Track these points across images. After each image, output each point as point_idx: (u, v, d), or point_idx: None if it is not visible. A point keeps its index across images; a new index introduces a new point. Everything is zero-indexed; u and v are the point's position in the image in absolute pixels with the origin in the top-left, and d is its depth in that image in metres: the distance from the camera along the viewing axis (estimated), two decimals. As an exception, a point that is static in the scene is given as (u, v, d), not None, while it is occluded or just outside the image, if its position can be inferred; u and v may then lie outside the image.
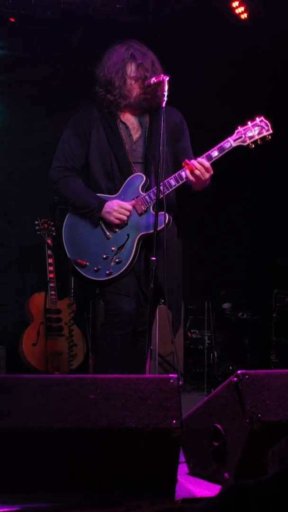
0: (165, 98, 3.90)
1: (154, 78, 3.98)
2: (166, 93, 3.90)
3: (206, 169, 3.93)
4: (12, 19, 6.52)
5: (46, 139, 7.23)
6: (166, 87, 3.91)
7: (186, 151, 4.22)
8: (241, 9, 6.44)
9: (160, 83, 3.94)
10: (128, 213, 4.01)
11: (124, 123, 4.16)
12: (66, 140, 4.19)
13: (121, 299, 4.03)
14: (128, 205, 4.02)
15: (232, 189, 7.79)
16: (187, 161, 3.95)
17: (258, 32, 6.65)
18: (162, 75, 3.95)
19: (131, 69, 4.08)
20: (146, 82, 4.03)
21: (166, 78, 3.93)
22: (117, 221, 4.01)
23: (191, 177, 3.94)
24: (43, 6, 6.43)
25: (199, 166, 3.92)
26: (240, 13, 6.45)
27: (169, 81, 3.94)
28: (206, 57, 7.07)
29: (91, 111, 4.19)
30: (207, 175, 3.95)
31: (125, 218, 4.01)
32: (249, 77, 7.35)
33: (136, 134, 4.16)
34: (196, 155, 4.09)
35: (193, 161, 3.94)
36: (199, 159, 3.96)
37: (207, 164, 3.94)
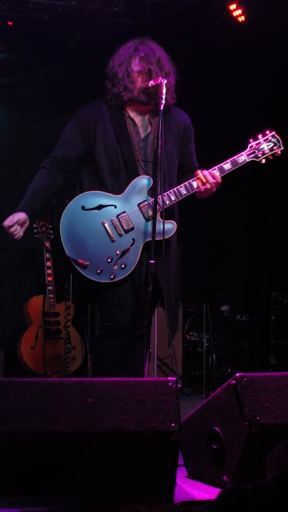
0: (163, 101, 3.89)
1: (152, 81, 3.98)
2: (164, 96, 3.89)
3: (217, 183, 3.99)
4: (10, 23, 6.53)
5: (44, 142, 7.19)
6: (164, 90, 3.90)
7: (191, 155, 4.25)
8: (239, 11, 6.45)
9: (158, 86, 3.94)
10: (12, 231, 4.08)
11: (132, 120, 4.13)
12: (67, 130, 4.19)
13: (116, 311, 4.02)
14: (7, 225, 4.09)
15: (230, 191, 7.78)
16: (199, 172, 3.95)
17: (255, 35, 6.66)
18: (160, 78, 3.94)
19: (134, 62, 4.06)
20: (144, 85, 4.02)
21: (164, 81, 3.92)
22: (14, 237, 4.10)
23: (201, 187, 3.95)
24: (41, 10, 6.44)
25: (211, 180, 3.95)
26: (237, 16, 6.47)
27: (169, 83, 3.95)
28: (204, 60, 7.08)
29: (99, 105, 4.17)
30: (215, 188, 3.99)
31: (16, 235, 4.12)
32: (247, 80, 7.35)
33: (144, 132, 4.13)
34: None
35: (205, 173, 3.95)
36: (212, 172, 3.97)
37: (220, 178, 3.98)
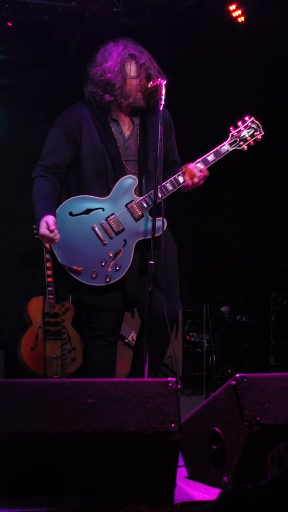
0: (163, 102, 3.89)
1: (151, 82, 3.98)
2: (163, 97, 3.90)
3: (204, 176, 3.98)
4: (9, 23, 6.53)
5: (43, 143, 7.23)
6: (164, 91, 3.90)
7: (173, 149, 4.25)
8: (238, 12, 6.45)
9: (157, 87, 3.94)
10: (50, 240, 3.98)
11: (115, 121, 4.13)
12: (52, 138, 4.16)
13: (103, 314, 4.07)
14: (48, 232, 3.94)
15: (229, 192, 7.80)
16: (187, 166, 3.94)
17: (255, 35, 6.66)
18: (159, 79, 3.95)
19: (130, 68, 4.06)
20: (143, 86, 4.02)
21: (163, 81, 3.92)
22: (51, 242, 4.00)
23: (189, 182, 3.94)
24: (41, 11, 6.44)
25: (198, 173, 3.94)
26: (237, 16, 6.47)
27: (166, 85, 3.95)
28: (203, 60, 7.08)
29: (80, 109, 4.15)
30: (202, 181, 3.99)
31: (47, 242, 4.04)
32: (246, 80, 7.35)
33: (127, 131, 4.14)
34: (192, 156, 4.09)
35: (191, 167, 3.94)
36: (199, 165, 3.96)
37: (206, 171, 3.98)
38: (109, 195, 4.03)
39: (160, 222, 3.94)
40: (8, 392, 2.94)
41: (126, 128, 4.14)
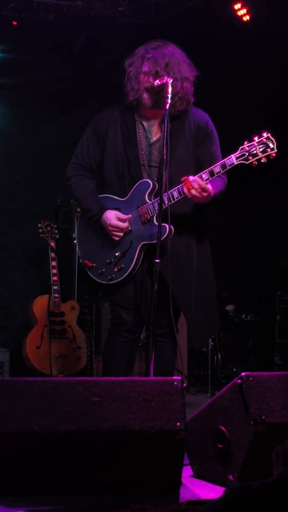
0: (169, 101, 3.88)
1: (158, 80, 3.96)
2: (169, 95, 3.88)
3: (203, 189, 3.85)
4: (14, 23, 6.53)
5: (49, 142, 7.24)
6: (170, 89, 3.88)
7: (209, 155, 4.12)
8: (244, 11, 6.44)
9: (164, 86, 3.92)
10: (121, 232, 4.04)
11: (142, 125, 4.15)
12: (84, 138, 4.24)
13: (122, 310, 4.14)
14: (122, 224, 4.02)
15: (235, 190, 7.76)
16: (186, 178, 3.90)
17: (260, 34, 6.65)
18: (165, 77, 3.92)
19: (143, 63, 4.06)
20: (149, 85, 4.01)
21: (169, 80, 3.90)
22: (115, 238, 4.06)
23: (188, 195, 3.89)
24: (46, 10, 6.44)
25: (197, 186, 3.84)
26: (242, 15, 6.46)
27: (175, 84, 3.93)
28: (208, 59, 7.07)
29: (112, 111, 4.21)
30: (204, 194, 3.87)
31: (120, 235, 4.04)
32: (251, 78, 7.34)
33: (154, 137, 4.13)
34: None
35: (191, 179, 3.88)
36: (197, 177, 3.88)
37: (204, 185, 3.84)
38: (127, 197, 4.09)
39: (164, 228, 3.90)
40: (13, 390, 2.95)
41: (153, 133, 4.14)
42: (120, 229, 4.04)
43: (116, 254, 4.07)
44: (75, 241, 6.38)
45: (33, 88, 7.25)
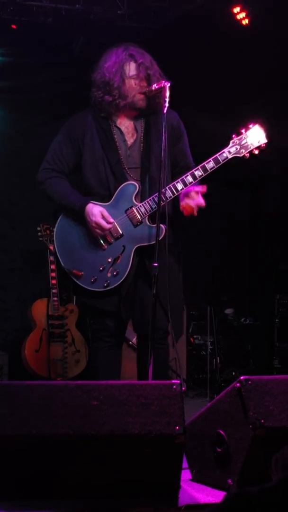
0: (167, 104, 3.88)
1: (155, 84, 3.97)
2: (167, 99, 3.89)
3: (201, 206, 4.01)
4: (13, 26, 6.53)
5: (47, 145, 7.21)
6: (168, 93, 3.89)
7: (184, 154, 4.22)
8: (243, 14, 6.45)
9: (161, 89, 3.93)
10: (102, 231, 4.00)
11: (118, 128, 4.14)
12: (57, 144, 4.21)
13: (106, 316, 4.11)
14: (105, 224, 3.99)
15: (234, 193, 7.80)
16: (182, 205, 3.99)
17: (259, 38, 6.66)
18: (163, 81, 3.94)
19: (129, 68, 4.06)
20: (148, 88, 4.02)
21: (167, 84, 3.91)
22: (95, 233, 4.02)
23: (185, 212, 4.00)
24: (45, 13, 6.45)
25: (193, 204, 3.99)
26: (241, 19, 6.46)
27: (170, 87, 3.94)
28: (207, 62, 7.08)
29: (86, 116, 4.19)
30: (202, 199, 4.01)
31: (98, 233, 4.01)
32: (250, 82, 7.35)
33: (131, 139, 4.14)
34: (195, 163, 4.09)
35: (188, 204, 3.98)
36: (192, 202, 3.98)
37: (203, 203, 3.99)
38: (111, 201, 4.06)
39: (161, 228, 3.92)
40: (12, 394, 2.94)
41: (129, 136, 4.15)
42: (102, 229, 3.99)
43: (109, 260, 4.03)
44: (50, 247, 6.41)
45: (32, 91, 7.26)
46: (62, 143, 4.18)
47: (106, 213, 4.00)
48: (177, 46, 6.75)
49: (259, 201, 8.14)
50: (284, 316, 6.92)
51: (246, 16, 6.45)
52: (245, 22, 6.47)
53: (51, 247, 6.54)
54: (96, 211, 3.99)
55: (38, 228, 6.60)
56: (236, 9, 6.44)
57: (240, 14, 6.45)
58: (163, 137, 3.84)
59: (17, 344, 6.70)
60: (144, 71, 4.04)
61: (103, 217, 3.99)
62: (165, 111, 3.87)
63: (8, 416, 2.87)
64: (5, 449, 2.87)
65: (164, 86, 3.91)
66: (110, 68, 4.08)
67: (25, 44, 6.85)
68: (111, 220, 4.00)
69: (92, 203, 4.03)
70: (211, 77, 7.22)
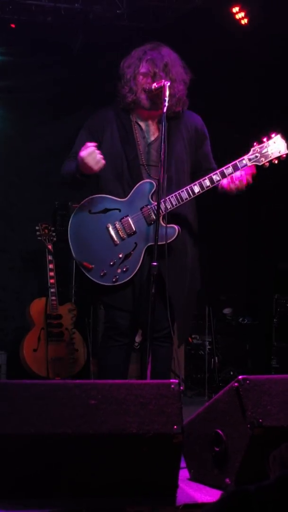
0: (166, 104, 3.89)
1: (155, 83, 3.98)
2: (167, 99, 3.89)
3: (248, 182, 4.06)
4: (12, 25, 6.53)
5: (46, 145, 7.23)
6: (167, 93, 3.90)
7: (206, 157, 4.26)
8: (242, 14, 6.45)
9: (161, 89, 3.93)
10: (90, 151, 3.93)
11: (139, 125, 4.17)
12: (78, 139, 4.22)
13: (117, 313, 4.11)
14: (88, 148, 3.93)
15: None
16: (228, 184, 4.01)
17: (258, 37, 6.66)
18: (163, 81, 3.95)
19: (142, 65, 4.09)
20: (147, 88, 4.03)
21: (167, 83, 3.92)
22: (99, 165, 3.96)
23: (229, 188, 4.03)
24: (44, 12, 6.44)
25: (241, 185, 4.04)
26: (240, 19, 6.47)
27: (170, 88, 3.94)
28: (206, 62, 7.07)
29: (107, 112, 4.22)
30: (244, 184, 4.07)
31: (87, 151, 3.94)
32: (249, 82, 7.35)
33: (151, 137, 4.16)
34: None
35: (232, 181, 4.02)
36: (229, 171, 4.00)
37: (249, 178, 4.06)
38: (128, 197, 4.08)
39: (171, 229, 3.95)
40: (10, 393, 2.94)
41: (150, 134, 4.17)
42: (91, 151, 3.93)
43: (120, 255, 4.03)
44: (48, 246, 6.41)
45: (31, 91, 7.25)
46: (83, 137, 4.19)
47: (82, 153, 3.95)
48: (176, 46, 6.74)
49: (258, 200, 8.13)
50: (283, 316, 6.91)
51: (245, 16, 6.45)
52: (244, 21, 6.47)
53: (50, 246, 6.54)
54: (80, 156, 3.96)
55: (37, 228, 6.60)
56: (235, 9, 6.45)
57: (239, 14, 6.46)
58: (162, 137, 3.83)
59: (15, 343, 6.69)
60: (152, 69, 4.05)
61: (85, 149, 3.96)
62: (164, 110, 3.87)
63: (7, 415, 2.87)
64: (3, 448, 2.87)
65: (164, 86, 3.91)
66: (128, 62, 4.14)
67: (24, 43, 6.85)
68: (90, 148, 3.95)
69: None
70: (210, 76, 7.21)
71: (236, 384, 3.10)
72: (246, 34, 6.57)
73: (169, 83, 3.93)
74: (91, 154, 3.94)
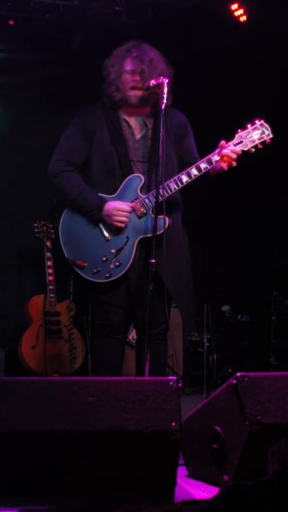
0: (164, 101, 3.90)
1: (153, 80, 3.99)
2: (165, 96, 3.90)
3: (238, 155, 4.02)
4: (11, 22, 6.53)
5: (45, 142, 7.18)
6: (166, 89, 3.91)
7: (190, 151, 4.27)
8: (240, 11, 6.45)
9: (159, 85, 3.94)
10: (127, 214, 4.01)
11: (127, 122, 4.19)
12: (70, 136, 4.22)
13: (110, 309, 4.11)
14: (126, 206, 4.02)
15: (230, 190, 7.79)
16: (222, 157, 3.98)
17: (257, 35, 6.66)
18: (161, 77, 3.95)
19: (126, 62, 4.11)
20: (145, 84, 4.03)
21: (165, 80, 3.93)
22: (120, 225, 4.02)
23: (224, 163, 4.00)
24: (42, 9, 6.44)
25: (233, 156, 3.99)
26: (239, 16, 6.46)
27: (168, 84, 3.94)
28: (205, 59, 7.08)
29: (96, 109, 4.23)
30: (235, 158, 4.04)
31: (126, 220, 4.01)
32: (248, 79, 7.35)
33: (139, 134, 4.18)
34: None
35: (226, 154, 3.99)
36: (229, 150, 4.00)
37: (239, 151, 4.01)
38: (117, 193, 4.10)
39: (161, 221, 3.95)
40: (8, 390, 2.94)
41: (137, 130, 4.20)
42: (125, 212, 4.01)
43: (112, 250, 4.04)
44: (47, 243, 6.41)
45: (29, 87, 7.25)
46: (76, 135, 4.20)
47: (118, 205, 4.03)
48: (174, 43, 6.74)
49: (256, 198, 8.14)
50: (281, 313, 6.92)
51: (244, 13, 6.44)
52: (243, 19, 6.47)
53: (48, 243, 6.54)
54: (114, 203, 4.03)
55: (35, 225, 6.60)
56: (234, 6, 6.44)
57: (238, 11, 6.45)
58: (160, 133, 3.85)
59: (13, 340, 6.70)
60: (139, 66, 4.07)
61: (120, 209, 4.02)
62: (163, 107, 3.89)
63: (4, 412, 2.87)
64: (1, 445, 2.87)
65: (162, 82, 3.92)
66: (111, 61, 4.16)
67: (23, 40, 6.84)
68: (127, 208, 4.02)
69: (109, 201, 4.05)
70: (207, 72, 7.22)
71: (234, 381, 3.10)
72: (244, 31, 6.56)
73: (167, 80, 3.93)
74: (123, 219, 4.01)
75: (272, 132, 4.06)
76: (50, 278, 6.48)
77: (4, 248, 7.30)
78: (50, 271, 6.47)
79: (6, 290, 7.30)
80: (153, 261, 3.78)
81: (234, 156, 3.99)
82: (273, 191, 7.67)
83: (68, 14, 6.48)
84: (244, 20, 6.47)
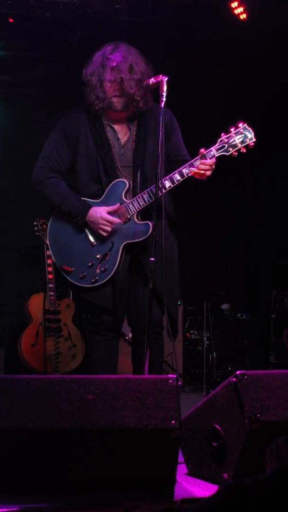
0: (164, 99, 3.89)
1: (152, 79, 3.98)
2: (165, 94, 3.90)
3: (211, 167, 3.97)
4: (11, 20, 6.52)
5: (45, 140, 7.21)
6: (165, 88, 3.90)
7: (177, 148, 4.23)
8: (241, 9, 6.44)
9: (158, 84, 3.93)
10: (111, 226, 4.02)
11: (111, 127, 4.17)
12: (52, 142, 4.21)
13: (99, 309, 4.13)
14: (113, 219, 4.02)
15: (230, 189, 7.79)
16: (192, 169, 3.95)
17: (257, 33, 6.65)
18: (160, 76, 3.95)
19: (106, 71, 4.07)
20: (144, 83, 4.02)
21: (164, 78, 3.92)
22: (103, 233, 4.04)
23: (203, 178, 3.97)
24: (42, 7, 6.43)
25: (207, 167, 3.95)
26: (239, 14, 6.45)
27: (167, 82, 3.94)
28: (205, 57, 7.07)
29: (80, 114, 4.19)
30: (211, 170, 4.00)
31: (109, 230, 4.03)
32: (247, 77, 7.34)
33: (124, 138, 4.17)
34: (191, 154, 4.10)
35: (195, 170, 3.95)
36: (203, 161, 3.95)
37: (211, 162, 3.97)
38: (102, 198, 4.10)
39: (145, 226, 3.99)
40: (8, 388, 2.94)
41: (122, 134, 4.18)
42: (111, 223, 4.02)
43: (97, 256, 4.06)
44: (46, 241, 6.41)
45: (29, 86, 7.24)
46: (58, 142, 4.18)
47: (109, 208, 4.04)
48: (174, 41, 6.74)
49: (256, 196, 8.14)
50: (281, 312, 6.91)
51: (244, 11, 6.44)
52: (243, 17, 6.46)
53: (48, 242, 6.53)
54: (100, 209, 4.03)
55: (35, 223, 6.59)
56: (234, 4, 6.43)
57: (238, 9, 6.44)
58: (160, 131, 3.85)
59: (13, 338, 6.70)
60: (117, 76, 4.04)
61: (108, 212, 4.03)
62: (162, 105, 3.89)
63: (4, 410, 2.87)
64: (1, 443, 2.87)
65: (162, 81, 3.92)
66: (91, 69, 4.14)
67: (23, 38, 6.83)
68: (115, 207, 4.03)
69: (94, 207, 4.06)
70: (207, 71, 7.21)
71: (234, 379, 3.10)
72: (245, 29, 6.55)
73: (166, 78, 3.92)
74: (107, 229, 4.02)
75: (255, 136, 4.02)
76: (50, 276, 6.48)
77: (3, 246, 7.30)
78: (50, 269, 6.47)
79: (6, 288, 7.30)
80: (153, 259, 3.77)
81: (203, 171, 3.95)
82: (273, 190, 7.67)
83: (68, 12, 6.47)
84: (244, 18, 6.46)
